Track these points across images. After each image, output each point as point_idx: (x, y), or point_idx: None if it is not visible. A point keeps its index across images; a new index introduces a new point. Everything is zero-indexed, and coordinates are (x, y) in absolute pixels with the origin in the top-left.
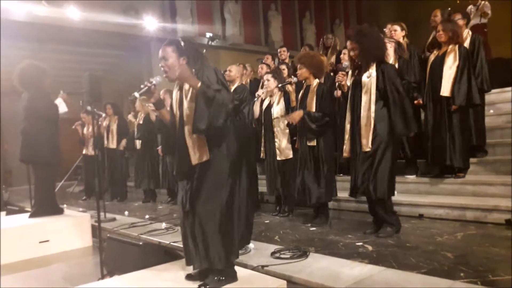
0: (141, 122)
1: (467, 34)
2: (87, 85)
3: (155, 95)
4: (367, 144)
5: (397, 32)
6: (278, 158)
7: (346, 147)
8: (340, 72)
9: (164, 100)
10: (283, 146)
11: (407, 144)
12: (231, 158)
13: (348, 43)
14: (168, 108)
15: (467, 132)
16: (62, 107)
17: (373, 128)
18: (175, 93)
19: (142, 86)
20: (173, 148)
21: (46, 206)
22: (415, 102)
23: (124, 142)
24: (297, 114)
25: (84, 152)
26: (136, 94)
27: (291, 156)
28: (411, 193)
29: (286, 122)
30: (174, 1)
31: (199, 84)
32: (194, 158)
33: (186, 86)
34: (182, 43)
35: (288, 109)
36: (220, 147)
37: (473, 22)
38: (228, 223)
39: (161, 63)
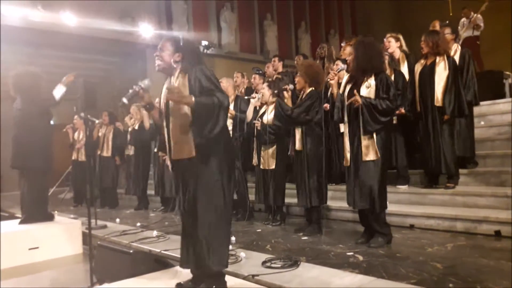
0: (136, 127)
1: (456, 48)
2: (82, 91)
3: (145, 98)
4: (367, 153)
5: (391, 43)
6: (261, 167)
7: (347, 157)
8: (332, 72)
9: None
10: (267, 155)
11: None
12: (218, 159)
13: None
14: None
15: (454, 141)
16: (59, 91)
17: (377, 137)
18: (165, 87)
19: (130, 90)
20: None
21: (37, 213)
22: (397, 112)
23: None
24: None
25: (73, 157)
26: (125, 100)
27: (273, 167)
28: (402, 204)
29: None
30: (170, 9)
31: (193, 99)
32: (175, 152)
33: (173, 79)
34: (181, 41)
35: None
36: (207, 148)
37: (465, 34)
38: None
39: (156, 53)
